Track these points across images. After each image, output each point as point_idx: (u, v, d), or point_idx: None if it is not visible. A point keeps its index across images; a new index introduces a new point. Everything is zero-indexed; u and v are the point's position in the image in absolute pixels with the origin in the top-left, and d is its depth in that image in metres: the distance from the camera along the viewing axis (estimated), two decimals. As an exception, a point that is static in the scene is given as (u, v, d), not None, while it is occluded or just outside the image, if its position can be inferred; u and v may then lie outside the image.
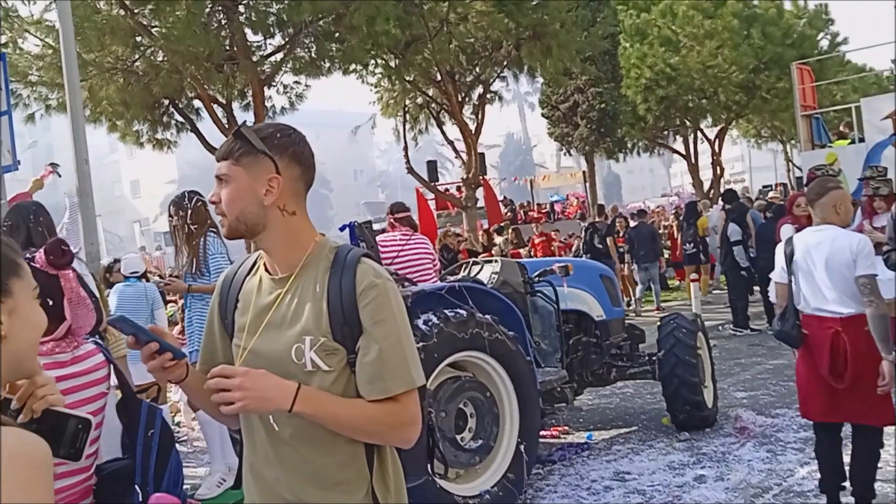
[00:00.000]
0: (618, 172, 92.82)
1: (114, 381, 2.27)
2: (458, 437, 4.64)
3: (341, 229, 5.20)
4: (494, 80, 17.01)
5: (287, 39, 12.80)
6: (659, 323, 6.82)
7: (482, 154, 24.04)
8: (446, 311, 4.66)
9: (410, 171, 16.67)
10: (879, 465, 4.25)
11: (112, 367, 2.26)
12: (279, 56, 12.98)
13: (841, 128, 14.15)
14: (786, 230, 7.39)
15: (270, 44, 13.08)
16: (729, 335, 11.33)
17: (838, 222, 4.13)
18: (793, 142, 23.69)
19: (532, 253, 16.02)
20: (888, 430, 4.17)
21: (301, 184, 1.87)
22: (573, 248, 16.53)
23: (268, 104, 13.46)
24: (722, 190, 24.50)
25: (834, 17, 22.62)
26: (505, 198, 27.09)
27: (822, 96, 19.81)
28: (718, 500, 4.86)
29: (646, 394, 7.91)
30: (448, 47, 14.14)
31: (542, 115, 20.29)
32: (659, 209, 22.48)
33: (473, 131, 16.39)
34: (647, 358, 6.78)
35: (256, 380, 1.69)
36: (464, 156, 16.61)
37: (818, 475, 4.42)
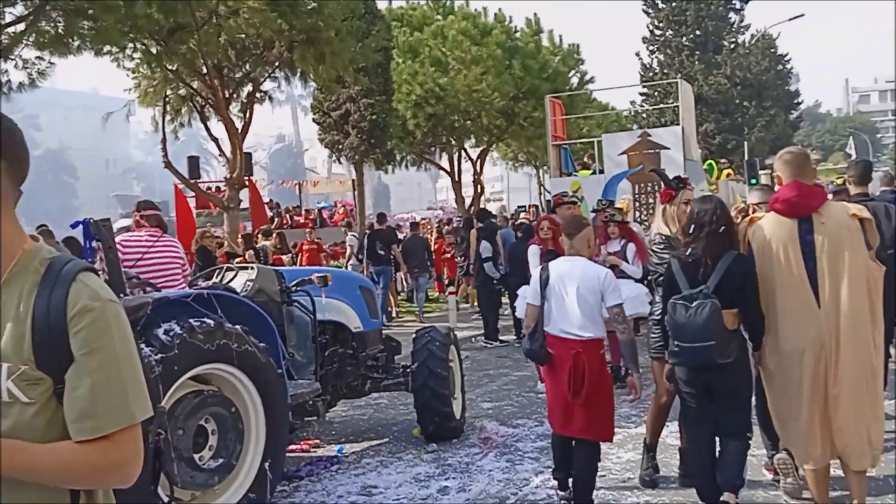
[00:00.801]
0: (387, 183, 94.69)
1: None
2: (197, 457, 4.35)
3: (73, 226, 4.67)
4: (265, 80, 16.53)
5: (31, 10, 11.49)
6: (415, 335, 6.94)
7: (248, 154, 23.30)
8: (191, 321, 4.36)
9: (168, 165, 15.67)
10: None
11: None
12: (21, 27, 11.61)
13: (585, 159, 15.46)
14: (532, 251, 7.89)
15: (11, 12, 11.67)
16: (480, 347, 11.87)
17: (587, 254, 4.73)
18: (545, 168, 25.50)
19: (298, 260, 15.68)
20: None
21: (7, 179, 1.59)
22: (346, 256, 16.42)
23: (3, 78, 11.98)
24: (482, 206, 25.87)
25: (584, 58, 24.80)
26: (271, 200, 26.46)
27: (570, 128, 21.56)
28: (459, 512, 5.00)
29: (399, 405, 8.01)
30: (216, 40, 13.50)
31: (314, 120, 20.07)
32: (425, 221, 23.14)
33: (240, 130, 15.78)
34: (401, 370, 6.87)
35: None
36: (228, 154, 15.93)
37: (551, 482, 4.95)
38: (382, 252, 14.54)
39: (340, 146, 19.16)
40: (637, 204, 13.54)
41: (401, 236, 16.72)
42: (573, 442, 4.67)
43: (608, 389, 4.64)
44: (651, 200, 13.63)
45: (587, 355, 4.47)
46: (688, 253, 4.27)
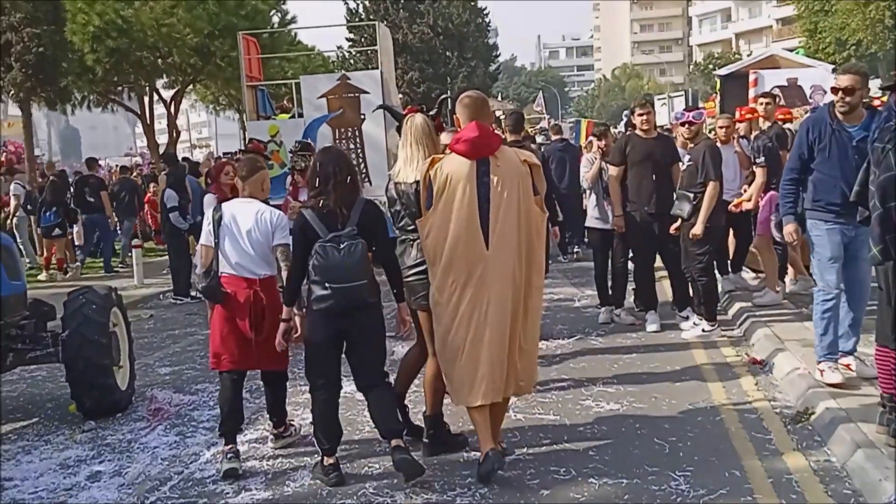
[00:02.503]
0: (77, 127, 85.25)
1: None
2: None
3: None
4: None
5: None
6: (66, 298, 5.97)
7: None
8: None
9: None
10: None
11: None
12: None
13: (285, 102, 14.74)
14: (208, 199, 7.19)
15: None
16: (169, 304, 10.89)
17: (262, 197, 4.83)
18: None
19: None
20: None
21: None
22: (12, 208, 14.17)
23: None
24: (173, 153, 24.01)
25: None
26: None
27: (273, 71, 20.61)
28: (108, 501, 4.32)
29: (60, 378, 6.91)
30: None
31: (-39, 50, 16.97)
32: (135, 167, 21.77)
33: None
34: (50, 338, 5.88)
35: None
36: None
37: (222, 458, 4.57)
38: (92, 199, 13.86)
39: (1, 82, 16.45)
40: (337, 149, 13.19)
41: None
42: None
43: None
44: (352, 146, 13.38)
45: (265, 292, 4.65)
46: (321, 205, 4.28)
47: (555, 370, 6.35)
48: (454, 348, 4.27)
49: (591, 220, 8.06)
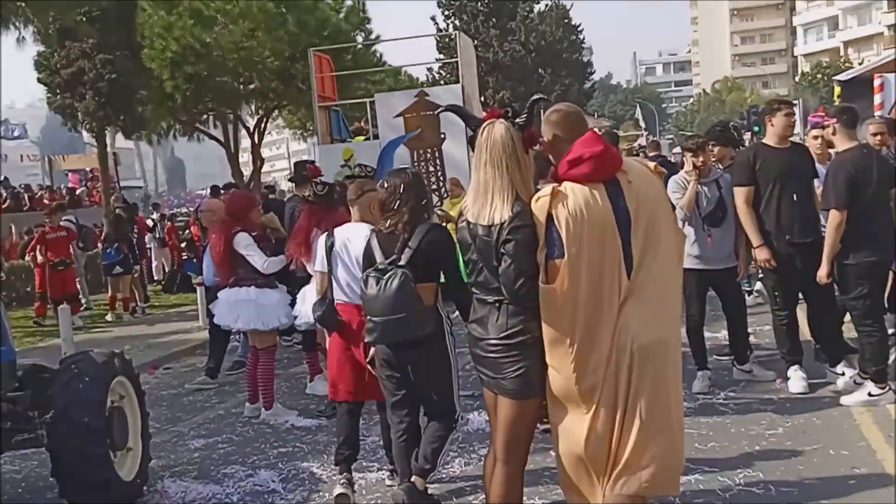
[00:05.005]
0: (181, 157, 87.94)
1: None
2: None
3: None
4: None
5: None
6: (58, 367, 4.80)
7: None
8: None
9: None
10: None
11: None
12: None
13: (361, 123, 13.62)
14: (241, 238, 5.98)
15: None
16: (232, 348, 9.72)
17: (372, 220, 4.47)
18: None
19: (44, 253, 12.15)
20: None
21: None
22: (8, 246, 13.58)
23: None
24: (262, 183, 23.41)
25: (371, 16, 22.80)
26: (6, 179, 22.51)
27: (351, 93, 19.50)
28: None
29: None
30: None
31: (40, 80, 16.63)
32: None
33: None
34: (37, 419, 4.71)
35: None
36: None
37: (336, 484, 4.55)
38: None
39: (74, 111, 16.02)
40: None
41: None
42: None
43: None
44: (432, 168, 12.08)
45: None
46: (387, 225, 4.04)
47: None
48: (601, 450, 3.01)
49: (689, 261, 5.70)
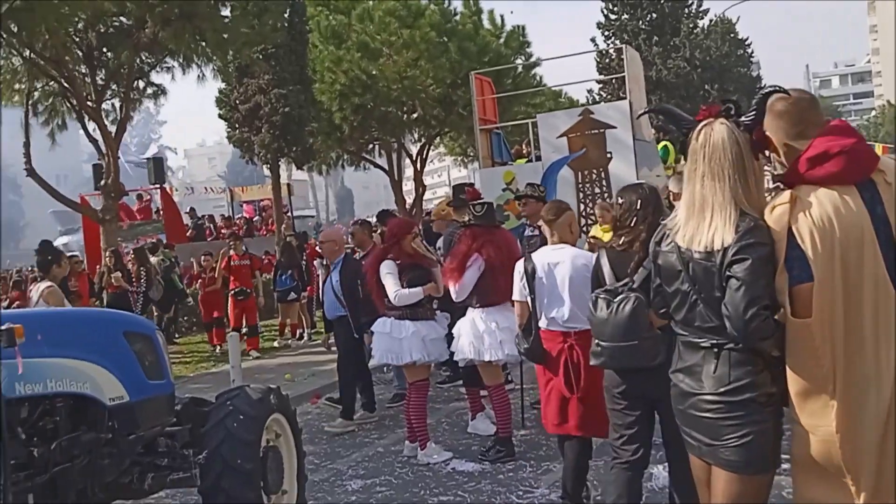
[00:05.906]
0: (350, 187, 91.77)
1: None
2: None
3: None
4: (152, 69, 14.09)
5: None
6: (214, 403, 4.62)
7: (159, 159, 20.86)
8: None
9: (31, 173, 13.22)
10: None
11: None
12: None
13: (523, 146, 13.20)
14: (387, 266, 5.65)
15: None
16: (390, 380, 9.49)
17: (571, 241, 4.49)
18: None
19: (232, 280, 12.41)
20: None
21: None
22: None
23: None
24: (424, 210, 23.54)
25: (531, 40, 22.49)
26: (192, 210, 23.98)
27: (511, 116, 19.18)
28: None
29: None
30: (63, 15, 11.07)
31: (220, 115, 17.58)
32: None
33: (115, 131, 13.39)
34: (192, 457, 4.53)
35: None
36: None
37: None
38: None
39: (251, 144, 16.73)
40: (581, 195, 11.32)
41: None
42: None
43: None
44: (598, 190, 11.43)
45: (580, 347, 4.26)
46: (620, 242, 3.78)
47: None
48: None
49: None
